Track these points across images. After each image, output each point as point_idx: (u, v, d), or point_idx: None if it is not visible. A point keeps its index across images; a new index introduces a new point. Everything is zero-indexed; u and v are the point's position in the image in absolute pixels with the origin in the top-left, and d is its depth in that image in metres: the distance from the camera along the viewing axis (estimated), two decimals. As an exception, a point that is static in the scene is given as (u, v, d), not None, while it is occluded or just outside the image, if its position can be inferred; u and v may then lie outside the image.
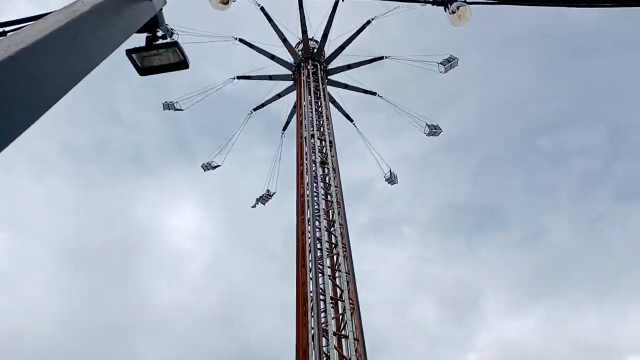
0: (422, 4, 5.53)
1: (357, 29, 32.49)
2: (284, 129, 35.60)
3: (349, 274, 20.26)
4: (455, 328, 57.59)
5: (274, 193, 35.53)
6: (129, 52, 5.88)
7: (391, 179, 35.95)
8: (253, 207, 35.38)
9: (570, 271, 58.66)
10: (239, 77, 35.32)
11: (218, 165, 35.82)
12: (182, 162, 66.85)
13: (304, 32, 32.09)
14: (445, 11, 5.49)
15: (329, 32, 32.23)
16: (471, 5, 5.33)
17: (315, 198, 23.14)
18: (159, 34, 5.95)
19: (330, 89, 34.14)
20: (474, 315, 57.80)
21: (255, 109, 35.75)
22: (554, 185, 62.16)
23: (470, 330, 57.97)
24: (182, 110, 34.66)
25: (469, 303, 58.42)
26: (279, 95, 34.66)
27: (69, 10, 4.23)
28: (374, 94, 35.30)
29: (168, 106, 34.43)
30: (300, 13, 31.05)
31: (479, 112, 59.37)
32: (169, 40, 5.91)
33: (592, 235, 58.40)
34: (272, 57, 33.29)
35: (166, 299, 56.90)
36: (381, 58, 33.89)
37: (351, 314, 18.41)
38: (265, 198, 35.25)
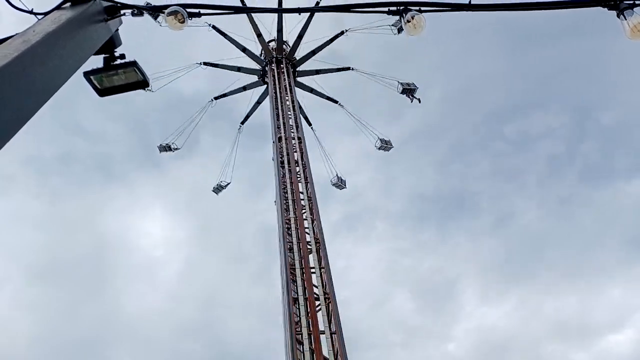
0: (378, 13, 5.62)
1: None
2: (243, 122, 35.59)
3: (324, 269, 20.41)
4: (433, 318, 58.27)
5: (228, 183, 35.51)
6: (86, 74, 5.78)
7: (384, 145, 34.73)
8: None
9: (543, 253, 59.94)
10: (216, 98, 35.40)
11: (229, 183, 35.46)
12: (150, 169, 65.62)
13: (259, 35, 32.18)
14: (401, 21, 5.60)
15: (282, 27, 32.37)
16: (425, 14, 5.45)
17: (289, 197, 23.20)
18: (117, 54, 5.89)
19: (307, 80, 34.26)
20: (451, 304, 58.56)
21: (242, 122, 35.65)
22: (521, 169, 63.29)
23: (448, 318, 58.73)
24: (179, 149, 34.68)
25: (446, 292, 59.12)
26: (258, 103, 34.55)
27: (19, 40, 4.13)
28: (348, 68, 35.17)
29: (165, 149, 34.33)
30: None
31: (442, 102, 59.91)
32: (127, 60, 5.85)
33: (562, 216, 59.67)
34: (239, 69, 33.49)
35: (142, 307, 56.04)
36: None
37: (330, 311, 18.56)
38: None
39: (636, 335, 53.56)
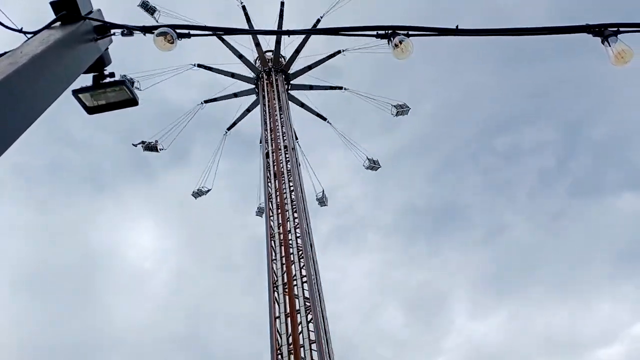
0: (366, 37, 5.68)
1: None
2: (229, 128, 35.22)
3: (315, 283, 20.37)
4: (422, 331, 58.18)
5: (209, 190, 34.82)
6: (75, 93, 5.79)
7: (372, 165, 35.11)
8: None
9: (533, 267, 60.03)
10: (205, 102, 35.13)
11: (209, 190, 34.77)
12: (140, 180, 65.27)
13: (257, 44, 32.33)
14: (389, 44, 5.66)
15: (280, 39, 32.49)
16: (412, 38, 5.52)
17: (280, 209, 23.17)
18: (107, 72, 5.90)
19: (299, 94, 34.44)
20: (441, 317, 58.56)
21: (228, 129, 35.45)
22: (512, 184, 63.57)
23: (438, 332, 58.69)
24: (164, 149, 33.47)
25: (436, 305, 59.14)
26: (248, 111, 34.54)
27: (6, 62, 4.12)
28: (340, 88, 35.51)
29: (149, 148, 32.92)
30: (249, 26, 31.59)
31: (434, 115, 60.28)
32: (116, 79, 5.86)
33: (552, 230, 59.91)
34: (232, 75, 33.60)
35: (130, 319, 55.42)
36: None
37: (319, 323, 18.53)
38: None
39: (625, 350, 53.66)
